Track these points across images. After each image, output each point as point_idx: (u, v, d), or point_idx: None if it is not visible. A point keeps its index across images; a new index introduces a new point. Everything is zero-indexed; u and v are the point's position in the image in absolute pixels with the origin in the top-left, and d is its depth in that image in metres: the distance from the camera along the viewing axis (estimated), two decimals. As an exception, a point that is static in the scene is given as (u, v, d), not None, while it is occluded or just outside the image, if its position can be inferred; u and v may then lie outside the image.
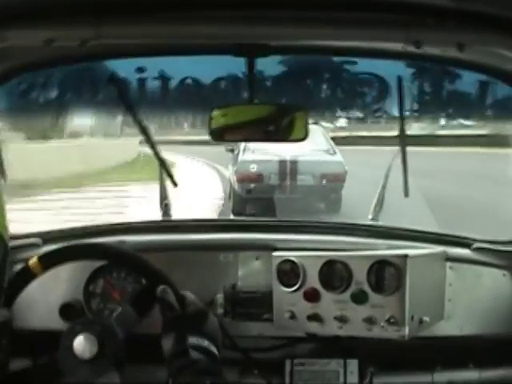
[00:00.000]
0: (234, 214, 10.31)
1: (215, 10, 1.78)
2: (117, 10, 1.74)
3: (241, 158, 10.93)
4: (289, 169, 10.81)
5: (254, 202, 10.44)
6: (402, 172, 2.49)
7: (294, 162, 10.76)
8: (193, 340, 1.77)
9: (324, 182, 10.63)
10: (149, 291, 1.99)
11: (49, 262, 2.01)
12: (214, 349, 1.79)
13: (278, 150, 10.48)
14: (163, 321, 1.88)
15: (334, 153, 10.98)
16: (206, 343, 1.78)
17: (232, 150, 11.61)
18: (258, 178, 10.74)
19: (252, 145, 10.60)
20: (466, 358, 2.29)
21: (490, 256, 2.34)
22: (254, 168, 10.71)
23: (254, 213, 9.92)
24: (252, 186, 10.63)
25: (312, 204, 10.50)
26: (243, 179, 10.70)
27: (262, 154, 10.73)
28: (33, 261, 1.98)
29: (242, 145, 10.85)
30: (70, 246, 2.13)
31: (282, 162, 10.77)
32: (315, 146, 10.57)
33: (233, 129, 2.16)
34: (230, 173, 11.95)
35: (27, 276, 2.00)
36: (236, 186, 10.85)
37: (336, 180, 10.60)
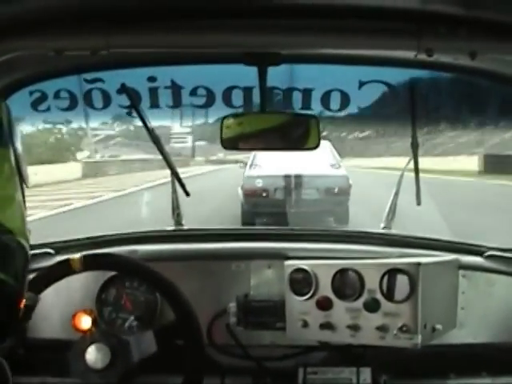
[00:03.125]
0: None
1: (226, 19, 1.78)
2: (127, 19, 1.75)
3: (247, 173, 11.26)
4: (293, 183, 11.02)
5: (264, 215, 10.78)
6: (415, 181, 2.49)
7: (298, 177, 10.96)
8: None
9: (329, 195, 10.84)
10: (177, 328, 2.00)
11: (91, 263, 2.02)
12: None
13: (284, 165, 10.64)
14: None
15: (339, 167, 11.26)
16: None
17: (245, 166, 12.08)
18: (264, 192, 10.97)
19: (259, 160, 11.14)
20: (479, 366, 2.28)
21: (503, 264, 2.33)
22: (259, 183, 10.97)
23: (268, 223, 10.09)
24: (257, 200, 10.87)
25: (320, 217, 10.60)
26: (249, 194, 10.95)
27: (268, 169, 10.98)
28: (76, 257, 1.99)
29: (250, 160, 11.41)
30: (118, 257, 2.14)
31: (287, 177, 10.99)
32: (321, 161, 10.87)
33: (245, 138, 2.17)
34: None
35: (66, 270, 2.01)
36: (243, 200, 11.08)
37: (340, 194, 10.81)
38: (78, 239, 2.56)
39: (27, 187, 1.28)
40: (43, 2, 1.66)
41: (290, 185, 11.01)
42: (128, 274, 2.23)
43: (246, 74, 2.15)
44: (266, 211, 10.72)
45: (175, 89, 2.39)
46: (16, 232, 1.20)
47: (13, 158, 1.21)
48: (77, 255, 2.02)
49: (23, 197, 1.27)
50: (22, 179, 1.24)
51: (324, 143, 11.02)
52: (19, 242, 1.22)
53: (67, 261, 2.02)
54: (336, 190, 10.78)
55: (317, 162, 10.68)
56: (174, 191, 2.74)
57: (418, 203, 2.49)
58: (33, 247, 2.41)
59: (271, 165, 10.88)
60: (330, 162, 11.18)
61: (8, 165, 1.19)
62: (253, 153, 10.96)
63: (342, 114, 2.34)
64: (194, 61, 2.29)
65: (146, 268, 2.08)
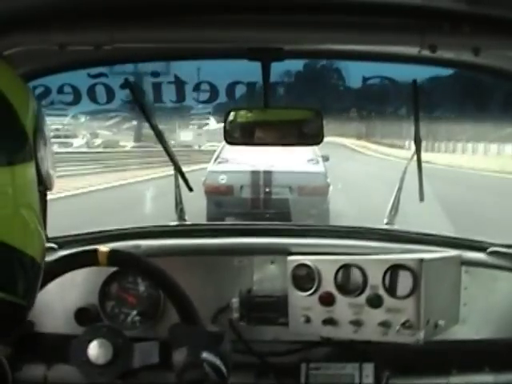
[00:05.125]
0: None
1: (229, 14, 1.78)
2: (131, 14, 1.75)
3: (210, 168, 9.75)
4: (262, 180, 9.52)
5: (230, 216, 9.02)
6: (418, 176, 2.48)
7: (268, 173, 9.51)
8: (206, 355, 1.76)
9: (302, 195, 9.36)
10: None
11: (116, 259, 1.98)
12: (224, 370, 1.77)
13: (255, 159, 9.26)
14: (175, 334, 1.86)
15: (317, 163, 9.94)
16: (218, 362, 1.77)
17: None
18: (228, 190, 9.43)
19: (227, 153, 9.68)
20: (482, 362, 2.28)
21: (506, 260, 2.33)
22: (223, 179, 9.43)
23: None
24: (220, 198, 9.36)
25: (295, 220, 8.29)
26: (211, 191, 9.32)
27: (235, 164, 9.63)
28: (104, 249, 1.96)
29: (216, 153, 10.03)
30: (143, 259, 2.09)
31: (255, 173, 9.55)
32: (298, 155, 9.47)
33: (248, 133, 2.17)
34: None
35: (90, 259, 1.96)
36: (206, 198, 9.36)
37: (316, 193, 9.41)
38: (81, 234, 2.55)
39: (50, 190, 1.20)
40: None
41: (259, 182, 9.48)
42: (150, 279, 2.20)
43: (250, 70, 2.15)
44: (231, 211, 9.11)
45: (178, 84, 2.39)
46: (30, 250, 1.14)
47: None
48: (104, 248, 1.98)
49: (45, 207, 1.21)
50: (44, 186, 1.17)
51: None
52: (32, 260, 1.16)
53: (95, 251, 1.98)
54: (310, 189, 9.34)
55: (292, 157, 9.30)
56: (177, 186, 2.73)
57: (421, 199, 2.48)
58: None
59: (240, 159, 9.46)
60: (307, 156, 9.76)
61: (26, 181, 1.08)
62: (220, 145, 9.63)
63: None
64: (198, 56, 2.28)
65: (168, 276, 2.04)
